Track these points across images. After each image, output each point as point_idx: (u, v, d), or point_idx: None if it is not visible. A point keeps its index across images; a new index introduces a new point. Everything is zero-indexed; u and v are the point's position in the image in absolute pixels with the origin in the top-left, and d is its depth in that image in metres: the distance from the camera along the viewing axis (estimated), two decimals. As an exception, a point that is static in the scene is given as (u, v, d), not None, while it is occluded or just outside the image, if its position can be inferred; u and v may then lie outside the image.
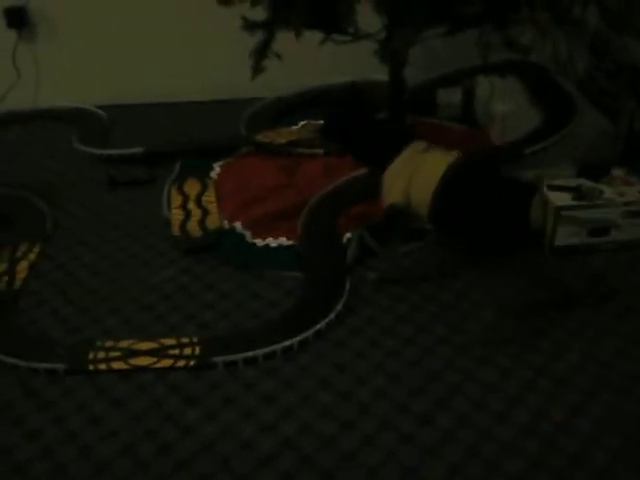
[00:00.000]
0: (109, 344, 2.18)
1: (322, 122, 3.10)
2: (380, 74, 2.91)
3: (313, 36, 2.66)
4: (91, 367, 2.11)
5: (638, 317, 2.23)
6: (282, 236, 2.60)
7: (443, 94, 3.33)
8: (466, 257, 2.44)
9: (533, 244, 2.47)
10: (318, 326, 2.20)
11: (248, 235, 2.63)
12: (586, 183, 2.55)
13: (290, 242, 2.58)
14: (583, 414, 1.91)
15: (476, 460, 1.79)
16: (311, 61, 3.07)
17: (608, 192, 2.52)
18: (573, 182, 2.55)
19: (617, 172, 2.66)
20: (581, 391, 1.97)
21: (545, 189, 2.43)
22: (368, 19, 2.64)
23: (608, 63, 3.15)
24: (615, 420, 1.89)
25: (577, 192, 2.49)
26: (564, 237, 2.48)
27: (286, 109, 3.45)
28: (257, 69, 2.71)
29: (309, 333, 2.17)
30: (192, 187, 2.91)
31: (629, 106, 2.99)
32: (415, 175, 2.45)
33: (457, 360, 2.09)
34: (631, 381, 2.00)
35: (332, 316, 2.24)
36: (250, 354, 2.11)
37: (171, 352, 2.15)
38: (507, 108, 3.06)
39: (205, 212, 2.75)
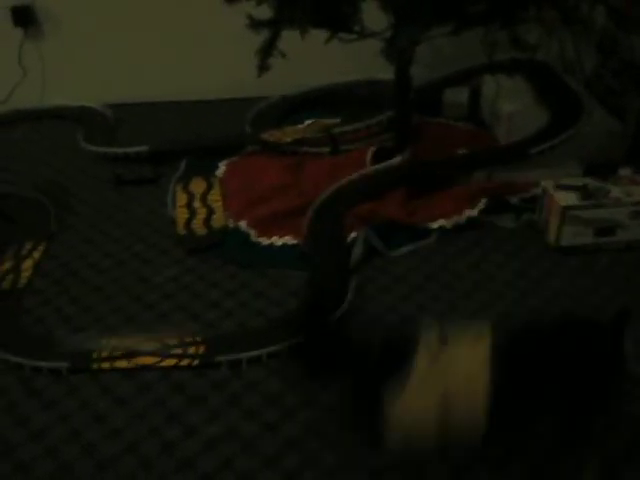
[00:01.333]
0: (113, 343, 2.17)
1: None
2: (386, 73, 2.90)
3: (319, 35, 2.65)
4: (95, 366, 2.10)
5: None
6: (287, 235, 2.59)
7: (449, 93, 3.32)
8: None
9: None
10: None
11: (253, 234, 2.62)
12: (593, 182, 2.54)
13: (295, 241, 2.57)
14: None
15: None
16: (316, 60, 3.06)
17: (615, 192, 2.51)
18: (580, 181, 2.54)
19: (624, 171, 2.64)
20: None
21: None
22: (374, 18, 2.63)
23: (615, 62, 3.14)
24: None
25: (584, 191, 2.48)
26: (570, 237, 2.47)
27: (291, 108, 3.44)
28: (263, 67, 2.70)
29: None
30: (197, 186, 2.91)
31: (636, 105, 2.98)
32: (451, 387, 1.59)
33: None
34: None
35: (337, 315, 2.23)
36: (254, 353, 2.10)
37: (175, 351, 2.14)
38: (513, 107, 3.05)
39: (210, 211, 2.75)
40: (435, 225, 2.60)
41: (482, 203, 2.64)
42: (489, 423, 1.53)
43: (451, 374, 1.57)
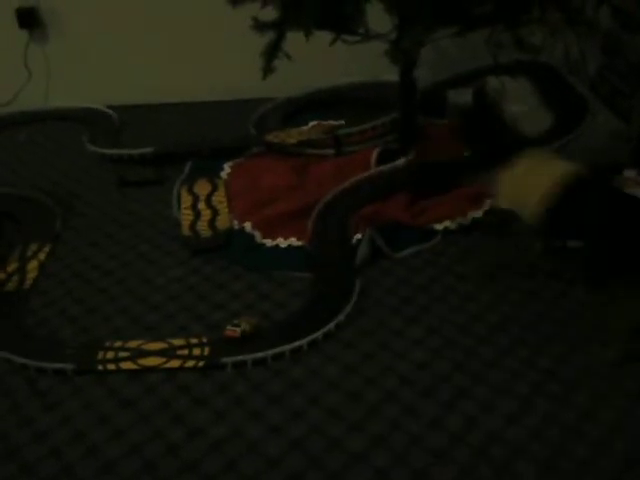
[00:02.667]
0: (118, 344, 2.18)
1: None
2: (391, 75, 2.90)
3: (323, 36, 2.65)
4: (100, 367, 2.11)
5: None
6: (292, 236, 2.59)
7: (454, 95, 3.32)
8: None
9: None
10: (327, 327, 2.19)
11: (258, 235, 2.62)
12: (597, 184, 2.53)
13: (300, 243, 2.57)
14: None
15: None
16: (321, 62, 3.06)
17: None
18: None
19: (629, 173, 2.63)
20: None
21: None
22: (379, 19, 2.63)
23: (620, 63, 3.13)
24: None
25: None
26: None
27: (296, 109, 3.44)
28: (267, 69, 2.70)
29: (318, 334, 2.17)
30: (202, 187, 2.91)
31: (640, 106, 2.98)
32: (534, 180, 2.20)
33: (465, 361, 2.08)
34: None
35: (341, 317, 2.23)
36: (259, 355, 2.10)
37: (180, 352, 2.15)
38: (518, 109, 3.05)
39: (215, 212, 2.75)
40: (440, 227, 2.60)
41: (487, 204, 2.63)
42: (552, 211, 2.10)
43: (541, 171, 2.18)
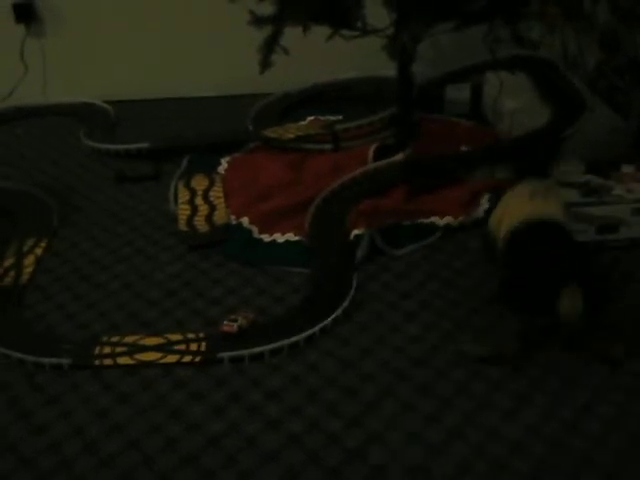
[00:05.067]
0: (115, 339, 2.18)
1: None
2: (388, 70, 2.89)
3: (321, 31, 2.64)
4: (97, 362, 2.10)
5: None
6: (289, 232, 2.59)
7: (451, 90, 3.32)
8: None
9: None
10: (324, 322, 2.19)
11: (255, 231, 2.62)
12: (595, 179, 2.53)
13: (297, 238, 2.57)
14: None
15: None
16: (319, 57, 3.06)
17: (617, 189, 2.50)
18: (582, 178, 2.53)
19: (627, 169, 2.64)
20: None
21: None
22: (377, 14, 2.62)
23: (618, 59, 3.13)
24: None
25: (586, 188, 2.47)
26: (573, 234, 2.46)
27: (294, 104, 3.44)
28: (265, 64, 2.70)
29: (315, 329, 2.17)
30: (199, 182, 2.91)
31: (639, 102, 2.98)
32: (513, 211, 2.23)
33: (463, 357, 2.08)
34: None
35: (339, 312, 2.23)
36: (256, 350, 2.10)
37: (177, 347, 2.14)
38: (516, 104, 3.05)
39: (212, 207, 2.75)
40: (442, 223, 2.59)
41: (486, 201, 2.63)
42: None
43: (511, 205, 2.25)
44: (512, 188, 2.35)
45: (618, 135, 2.90)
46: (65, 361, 2.09)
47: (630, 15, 2.74)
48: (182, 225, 2.68)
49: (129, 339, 2.18)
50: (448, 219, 2.60)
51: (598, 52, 3.23)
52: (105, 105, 3.56)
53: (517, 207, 2.24)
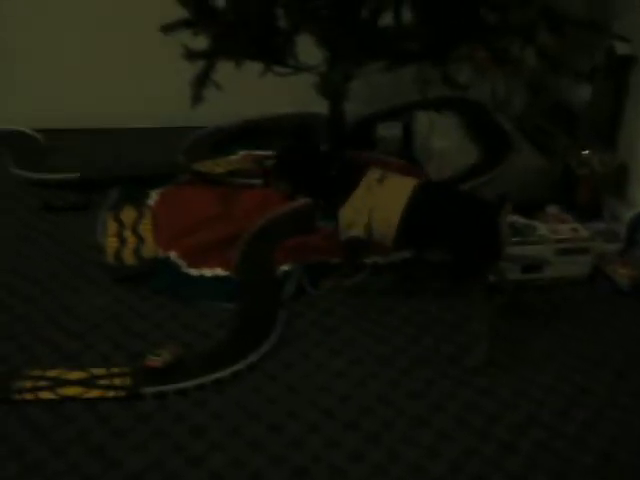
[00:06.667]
0: (37, 373, 2.13)
1: (274, 159, 2.70)
2: (320, 107, 2.92)
3: (254, 67, 2.66)
4: (17, 396, 2.05)
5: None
6: (217, 267, 2.58)
7: (383, 128, 3.36)
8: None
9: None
10: (250, 358, 2.18)
11: (183, 265, 2.60)
12: (520, 220, 2.58)
13: (225, 273, 2.56)
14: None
15: None
16: (251, 92, 3.07)
17: (542, 229, 2.56)
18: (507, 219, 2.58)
19: (551, 209, 2.70)
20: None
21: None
22: (309, 52, 2.66)
23: (544, 102, 3.22)
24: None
25: (511, 229, 2.52)
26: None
27: (226, 138, 3.44)
28: (197, 98, 2.71)
29: (241, 365, 2.15)
30: (128, 215, 2.88)
31: (564, 144, 3.05)
32: (376, 207, 2.31)
33: (389, 393, 2.10)
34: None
35: (266, 348, 2.23)
36: (181, 385, 2.08)
37: (101, 382, 2.10)
38: (445, 144, 3.10)
39: (141, 240, 2.72)
40: (369, 261, 2.61)
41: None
42: (397, 236, 2.30)
43: (380, 197, 2.31)
44: (348, 202, 2.36)
45: (543, 176, 2.96)
46: (-19, 395, 2.04)
47: (555, 61, 2.81)
48: (109, 258, 2.65)
49: (51, 373, 2.13)
50: (375, 258, 2.62)
51: (525, 95, 3.31)
52: (35, 133, 3.50)
53: (382, 196, 2.32)
